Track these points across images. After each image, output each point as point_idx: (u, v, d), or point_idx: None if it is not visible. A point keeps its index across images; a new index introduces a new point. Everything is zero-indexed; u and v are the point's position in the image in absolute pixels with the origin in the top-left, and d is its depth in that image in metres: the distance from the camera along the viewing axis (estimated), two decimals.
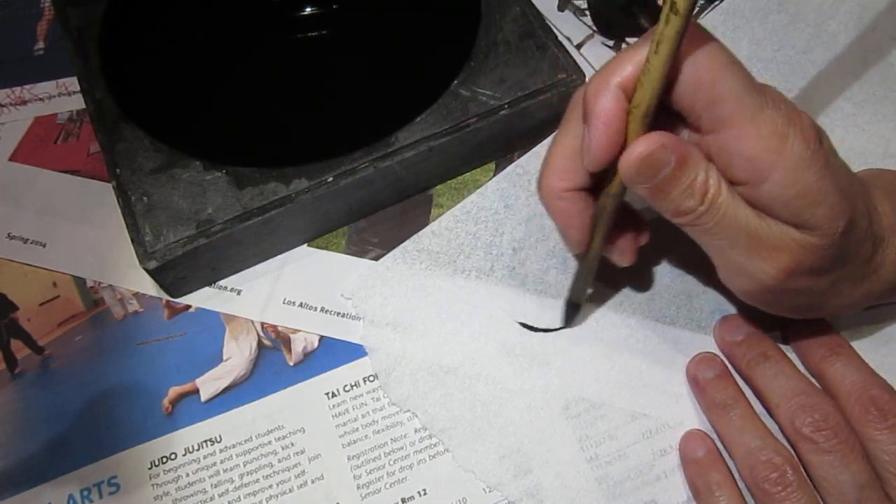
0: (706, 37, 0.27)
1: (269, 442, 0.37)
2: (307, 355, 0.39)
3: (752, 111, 0.26)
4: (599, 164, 0.29)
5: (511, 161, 0.43)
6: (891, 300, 0.35)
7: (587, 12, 0.49)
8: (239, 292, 0.41)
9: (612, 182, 0.30)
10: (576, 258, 0.36)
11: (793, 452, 0.32)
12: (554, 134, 0.33)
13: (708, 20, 0.47)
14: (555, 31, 0.43)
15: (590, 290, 0.39)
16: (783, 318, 0.34)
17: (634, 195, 0.30)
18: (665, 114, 0.28)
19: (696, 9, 0.47)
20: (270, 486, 0.36)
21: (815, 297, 0.31)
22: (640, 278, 0.39)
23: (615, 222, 0.33)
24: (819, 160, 0.27)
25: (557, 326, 0.38)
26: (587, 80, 0.29)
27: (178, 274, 0.38)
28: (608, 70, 0.28)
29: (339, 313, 0.40)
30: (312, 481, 0.36)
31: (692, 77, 0.27)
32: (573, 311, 0.38)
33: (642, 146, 0.27)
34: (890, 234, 0.31)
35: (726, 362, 0.36)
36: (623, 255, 0.35)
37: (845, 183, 0.28)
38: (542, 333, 0.38)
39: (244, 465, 0.36)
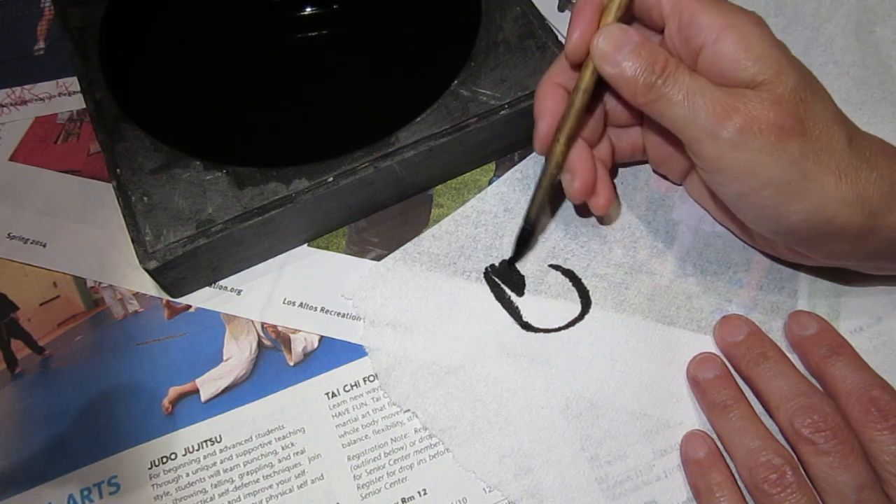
0: None
1: (270, 442, 0.37)
2: (307, 355, 0.39)
3: None
4: (577, 51, 0.34)
5: (511, 161, 0.43)
6: (883, 264, 0.35)
7: None
8: (239, 292, 0.41)
9: (583, 76, 0.34)
10: (540, 175, 0.38)
11: (792, 453, 0.33)
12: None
13: None
14: (555, 31, 0.43)
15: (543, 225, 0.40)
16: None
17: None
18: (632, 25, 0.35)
19: None
20: (270, 486, 0.36)
21: (789, 169, 0.31)
22: (640, 278, 0.39)
23: (575, 132, 0.36)
24: (763, 28, 0.32)
25: (557, 326, 0.38)
26: None
27: (178, 274, 0.38)
28: None
29: (339, 313, 0.40)
30: (312, 481, 0.36)
31: None
32: (526, 236, 0.39)
33: (608, 27, 0.33)
34: (876, 154, 0.32)
35: (726, 362, 0.36)
36: (573, 181, 0.37)
37: (794, 58, 0.32)
38: (542, 333, 0.38)
39: (244, 465, 0.36)
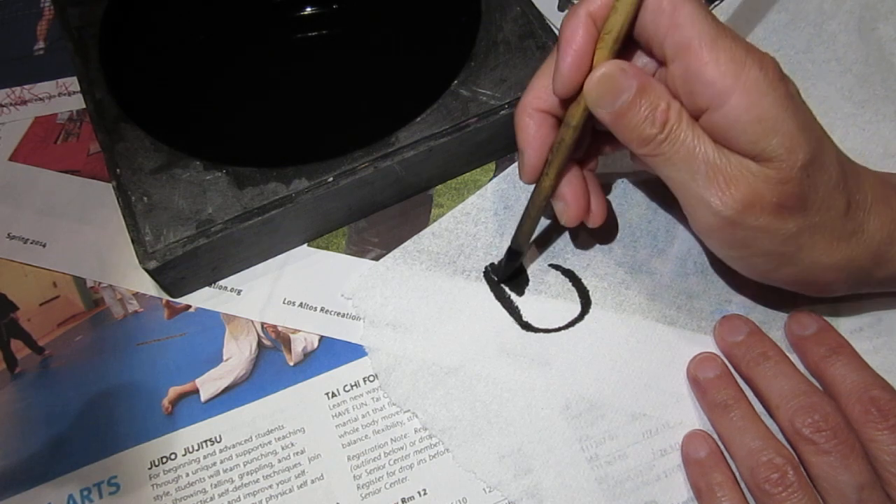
0: None
1: (269, 442, 0.37)
2: (307, 355, 0.39)
3: (711, 37, 0.28)
4: (567, 88, 0.30)
5: (511, 161, 0.43)
6: (886, 289, 0.35)
7: None
8: (239, 292, 0.41)
9: (574, 113, 0.31)
10: (528, 204, 0.36)
11: (793, 453, 0.32)
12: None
13: None
14: (555, 31, 0.43)
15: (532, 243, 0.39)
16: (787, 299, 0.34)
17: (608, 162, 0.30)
18: (633, 50, 0.31)
19: None
20: (270, 486, 0.36)
21: (785, 245, 0.30)
22: (640, 278, 0.39)
23: (565, 162, 0.33)
24: (778, 90, 0.28)
25: (557, 326, 0.38)
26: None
27: (178, 274, 0.38)
28: (581, 1, 0.30)
29: (339, 313, 0.40)
30: (312, 481, 0.36)
31: (654, 4, 0.29)
32: (514, 259, 0.38)
33: (605, 67, 0.29)
34: (875, 202, 0.31)
35: (727, 362, 0.36)
36: (566, 208, 0.35)
37: (808, 121, 0.29)
38: (542, 333, 0.38)
39: (244, 465, 0.36)
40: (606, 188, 0.41)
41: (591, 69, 0.30)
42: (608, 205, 0.37)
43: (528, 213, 0.36)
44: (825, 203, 0.30)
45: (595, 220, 0.36)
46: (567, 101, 0.32)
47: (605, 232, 0.41)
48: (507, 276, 0.39)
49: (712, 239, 0.32)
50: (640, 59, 0.32)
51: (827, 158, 0.30)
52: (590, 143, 0.36)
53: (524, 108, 0.33)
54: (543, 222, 0.41)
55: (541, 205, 0.35)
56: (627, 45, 0.31)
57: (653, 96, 0.29)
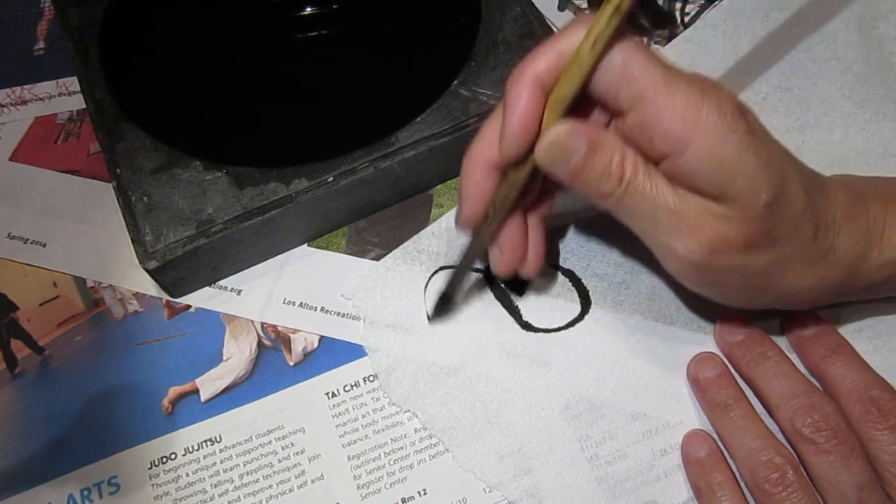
0: None
1: (269, 442, 0.37)
2: (307, 355, 0.39)
3: (665, 84, 0.27)
4: (514, 153, 0.29)
5: None
6: (869, 296, 0.34)
7: (587, 12, 0.49)
8: (239, 292, 0.41)
9: (519, 174, 0.30)
10: (465, 251, 0.35)
11: (793, 453, 0.32)
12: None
13: (709, 18, 0.47)
14: (555, 30, 0.43)
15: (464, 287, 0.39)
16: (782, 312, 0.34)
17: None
18: (587, 106, 0.30)
19: (697, 8, 0.47)
20: (270, 486, 0.36)
21: (756, 278, 0.30)
22: (640, 278, 0.39)
23: (505, 218, 0.33)
24: (738, 130, 0.27)
25: (557, 326, 0.38)
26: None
27: (178, 274, 0.38)
28: (526, 61, 0.29)
29: (339, 313, 0.40)
30: (312, 481, 0.36)
31: (604, 61, 0.27)
32: (445, 304, 0.38)
33: (553, 132, 0.28)
34: (843, 219, 0.31)
35: (726, 362, 0.36)
36: (501, 258, 0.34)
37: (771, 156, 0.28)
38: (541, 333, 0.38)
39: (244, 465, 0.36)
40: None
41: (538, 132, 0.29)
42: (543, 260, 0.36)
43: (464, 260, 0.35)
44: (792, 233, 0.29)
45: (529, 270, 0.35)
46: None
47: (606, 232, 0.40)
48: (435, 316, 0.39)
49: (684, 281, 0.32)
50: (596, 115, 0.31)
51: (791, 189, 0.29)
52: (542, 188, 0.34)
53: (472, 159, 0.32)
54: None
55: (477, 254, 0.35)
56: (580, 101, 0.29)
57: (606, 152, 0.29)
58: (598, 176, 0.29)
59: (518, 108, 0.28)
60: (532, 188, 0.33)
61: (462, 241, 0.41)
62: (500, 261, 0.34)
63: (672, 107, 0.27)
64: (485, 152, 0.31)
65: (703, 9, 0.47)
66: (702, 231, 0.28)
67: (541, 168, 0.30)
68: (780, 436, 0.33)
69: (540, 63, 0.28)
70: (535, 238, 0.35)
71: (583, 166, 0.29)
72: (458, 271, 0.37)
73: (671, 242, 0.29)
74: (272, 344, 0.39)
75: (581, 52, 0.27)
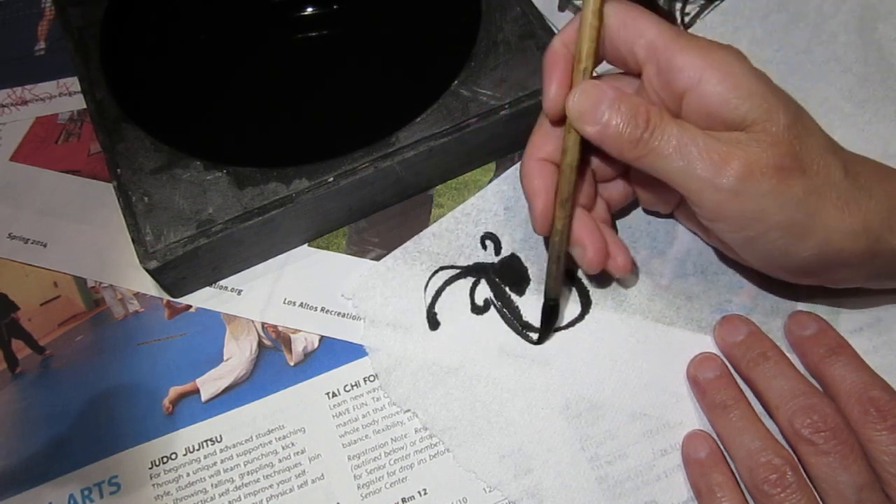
0: None
1: (270, 442, 0.37)
2: (307, 355, 0.39)
3: (675, 35, 0.31)
4: (556, 107, 0.33)
5: (511, 161, 0.43)
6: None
7: None
8: (239, 292, 0.41)
9: (566, 146, 0.33)
10: (547, 250, 0.37)
11: (793, 454, 0.32)
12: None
13: (708, 20, 0.47)
14: (555, 31, 0.43)
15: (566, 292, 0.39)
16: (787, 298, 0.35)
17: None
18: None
19: (697, 8, 0.48)
20: (271, 486, 0.36)
21: (795, 209, 0.30)
22: (640, 279, 0.39)
23: (572, 211, 0.35)
24: (745, 63, 0.31)
25: (558, 326, 0.38)
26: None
27: (178, 274, 0.38)
28: (557, 34, 0.34)
29: (339, 313, 0.40)
30: (313, 481, 0.36)
31: (618, 22, 0.32)
32: (553, 312, 0.38)
33: (581, 85, 0.32)
34: (872, 175, 0.32)
35: (726, 363, 0.36)
36: (584, 252, 0.35)
37: (782, 93, 0.31)
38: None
39: (245, 465, 0.36)
40: None
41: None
42: (630, 255, 0.37)
43: (551, 259, 0.36)
44: (822, 165, 0.31)
45: (619, 266, 0.36)
46: (560, 127, 0.34)
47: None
48: (543, 333, 0.38)
49: (723, 222, 0.32)
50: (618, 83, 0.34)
51: (810, 124, 0.31)
52: (594, 193, 0.37)
53: (527, 161, 0.35)
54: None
55: (560, 247, 0.35)
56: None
57: (630, 102, 0.31)
58: (626, 122, 0.31)
59: (556, 71, 0.33)
60: (584, 175, 0.36)
61: (460, 241, 0.41)
62: (587, 256, 0.35)
63: (683, 48, 0.31)
64: (535, 153, 0.35)
65: (703, 9, 0.47)
66: (733, 158, 0.30)
67: (573, 125, 0.32)
68: (779, 436, 0.33)
69: (567, 33, 0.33)
70: (609, 233, 0.37)
71: (611, 117, 0.31)
72: (550, 276, 0.37)
73: (705, 174, 0.30)
74: (272, 344, 0.39)
75: (582, 19, 0.32)
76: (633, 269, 0.39)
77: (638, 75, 0.33)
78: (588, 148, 0.33)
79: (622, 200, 0.39)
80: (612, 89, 0.31)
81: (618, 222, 0.41)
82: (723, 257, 0.39)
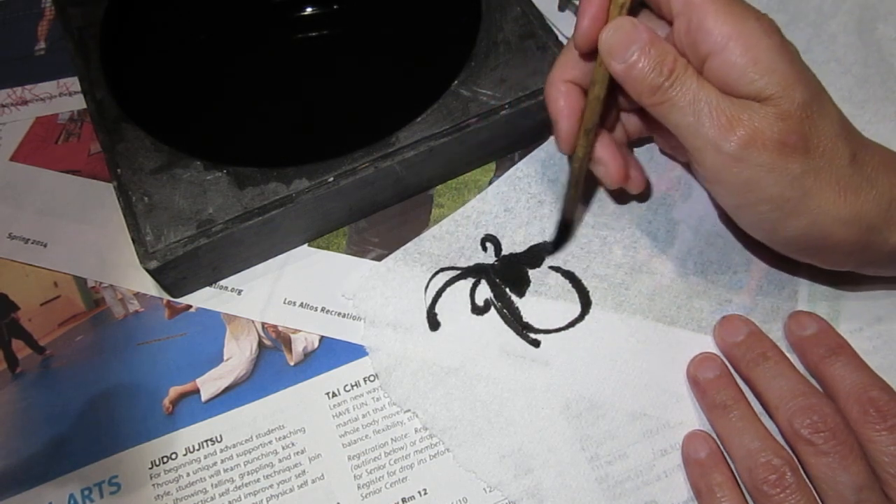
0: None
1: (270, 442, 0.37)
2: (308, 355, 0.39)
3: None
4: (587, 40, 0.33)
5: (511, 161, 0.43)
6: (889, 272, 0.35)
7: None
8: (239, 292, 0.41)
9: (596, 74, 0.34)
10: (568, 165, 0.38)
11: (792, 454, 0.32)
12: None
13: None
14: (555, 31, 0.43)
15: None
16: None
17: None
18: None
19: None
20: (271, 486, 0.36)
21: (790, 186, 0.31)
22: (640, 279, 0.39)
23: (597, 133, 0.36)
24: (773, 38, 0.31)
25: (558, 327, 0.38)
26: None
27: (178, 274, 0.38)
28: None
29: (339, 313, 0.40)
30: (313, 481, 0.36)
31: None
32: (565, 231, 0.40)
33: (617, 21, 0.32)
34: (881, 164, 0.32)
35: (726, 363, 0.36)
36: (606, 170, 0.37)
37: (805, 71, 0.31)
38: (542, 334, 0.38)
39: (245, 465, 0.36)
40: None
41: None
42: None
43: (570, 182, 0.38)
44: (828, 148, 0.31)
45: (635, 185, 0.39)
46: (589, 65, 0.35)
47: (606, 233, 0.41)
48: (558, 245, 0.41)
49: (719, 184, 0.32)
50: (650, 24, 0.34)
51: (827, 105, 0.31)
52: (615, 117, 0.39)
53: (552, 82, 0.36)
54: (544, 228, 0.41)
55: (580, 172, 0.37)
56: (636, 14, 0.34)
57: (660, 49, 0.32)
58: (650, 69, 0.32)
59: (592, 5, 0.33)
60: (611, 101, 0.37)
61: (461, 244, 0.41)
62: (609, 173, 0.37)
63: (716, 11, 0.31)
64: (562, 74, 0.36)
65: None
66: (739, 124, 0.30)
67: (602, 56, 0.32)
68: (779, 437, 0.33)
69: None
70: (630, 158, 0.39)
71: (638, 58, 0.32)
72: (568, 195, 0.38)
73: (710, 133, 0.31)
74: (273, 344, 0.39)
75: None
76: (647, 188, 0.41)
77: (670, 23, 0.33)
78: (616, 82, 0.34)
79: (639, 133, 0.40)
80: (647, 31, 0.32)
81: (619, 222, 0.41)
82: (724, 255, 0.39)
